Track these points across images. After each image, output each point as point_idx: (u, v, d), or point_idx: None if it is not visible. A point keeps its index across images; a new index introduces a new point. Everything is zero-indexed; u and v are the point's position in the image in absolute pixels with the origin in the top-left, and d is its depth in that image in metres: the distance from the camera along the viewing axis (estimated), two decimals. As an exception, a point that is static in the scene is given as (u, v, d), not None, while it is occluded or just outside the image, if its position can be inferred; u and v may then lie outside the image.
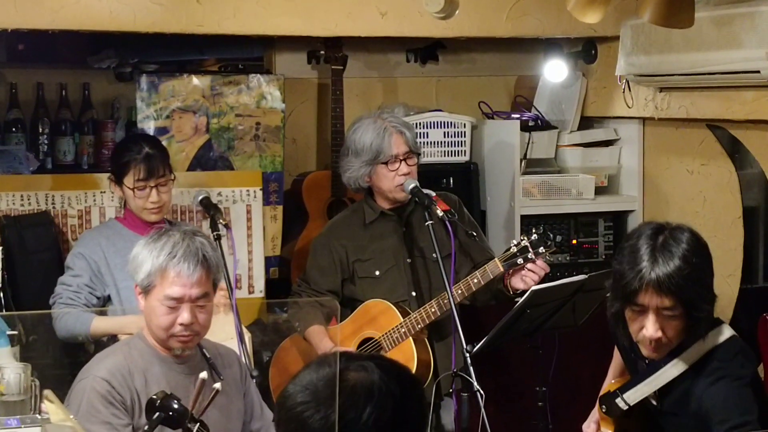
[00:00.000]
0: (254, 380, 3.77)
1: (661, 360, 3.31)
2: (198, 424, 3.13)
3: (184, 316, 3.39)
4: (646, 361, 3.40)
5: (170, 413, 3.09)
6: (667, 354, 3.29)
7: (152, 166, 4.30)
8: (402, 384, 2.23)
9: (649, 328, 3.18)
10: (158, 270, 3.40)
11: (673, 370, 3.30)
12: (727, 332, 3.31)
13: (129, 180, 4.31)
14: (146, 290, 3.44)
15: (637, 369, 3.50)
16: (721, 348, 3.27)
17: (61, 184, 4.89)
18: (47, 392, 2.39)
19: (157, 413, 3.08)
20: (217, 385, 3.16)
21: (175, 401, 3.09)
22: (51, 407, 2.36)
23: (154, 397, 3.10)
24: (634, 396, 3.43)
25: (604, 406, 3.53)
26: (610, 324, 3.34)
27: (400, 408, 2.19)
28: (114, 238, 4.31)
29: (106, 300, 4.31)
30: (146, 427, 3.11)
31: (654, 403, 3.42)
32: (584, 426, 3.65)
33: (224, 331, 3.95)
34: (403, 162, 4.34)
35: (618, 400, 3.46)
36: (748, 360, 3.31)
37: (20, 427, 2.92)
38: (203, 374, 3.14)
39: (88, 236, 4.48)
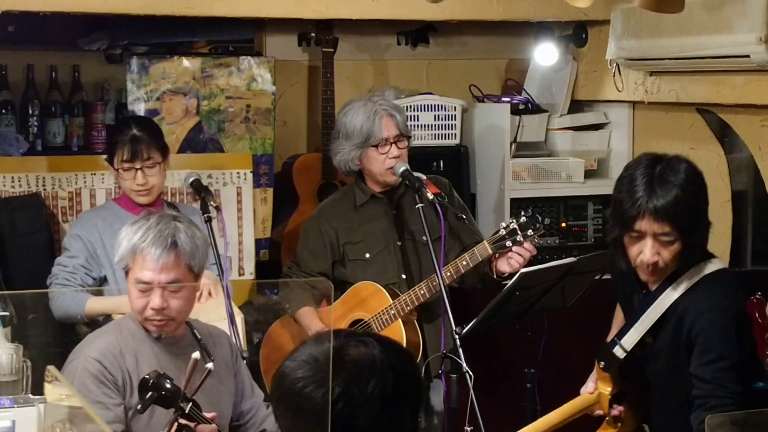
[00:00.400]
0: (245, 360, 3.79)
1: (656, 290, 3.44)
2: (190, 403, 3.15)
3: (155, 300, 3.41)
4: (643, 292, 3.52)
5: (163, 392, 3.11)
6: (662, 281, 3.44)
7: (137, 149, 4.29)
8: (400, 357, 2.26)
9: (646, 253, 3.35)
10: (130, 253, 3.43)
11: (666, 300, 3.43)
12: (718, 264, 3.47)
13: (116, 161, 4.33)
14: (125, 272, 3.49)
15: (633, 307, 3.58)
16: (711, 277, 3.42)
17: (52, 166, 4.89)
18: (50, 368, 2.39)
19: (150, 392, 3.10)
20: (209, 365, 3.19)
21: (168, 381, 3.11)
22: (48, 387, 2.37)
23: (147, 376, 3.12)
24: (630, 339, 3.50)
25: (602, 362, 3.58)
26: (609, 252, 3.53)
27: (401, 380, 2.22)
28: (110, 219, 4.32)
29: (103, 280, 4.32)
30: (139, 406, 3.14)
31: (649, 341, 3.50)
32: (583, 388, 3.69)
33: (216, 312, 3.96)
34: (393, 145, 4.34)
35: (615, 349, 3.54)
36: (736, 292, 3.47)
37: (13, 407, 2.92)
38: (195, 354, 3.16)
39: (85, 217, 4.50)
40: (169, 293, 3.41)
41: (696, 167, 3.42)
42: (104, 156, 4.52)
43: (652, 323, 3.47)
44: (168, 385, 3.12)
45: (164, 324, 3.45)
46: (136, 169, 4.30)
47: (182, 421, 3.16)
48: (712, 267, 3.45)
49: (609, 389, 3.62)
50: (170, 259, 3.40)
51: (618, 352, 3.54)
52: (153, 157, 4.32)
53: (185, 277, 3.45)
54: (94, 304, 4.23)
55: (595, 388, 3.66)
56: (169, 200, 4.75)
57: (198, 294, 4.10)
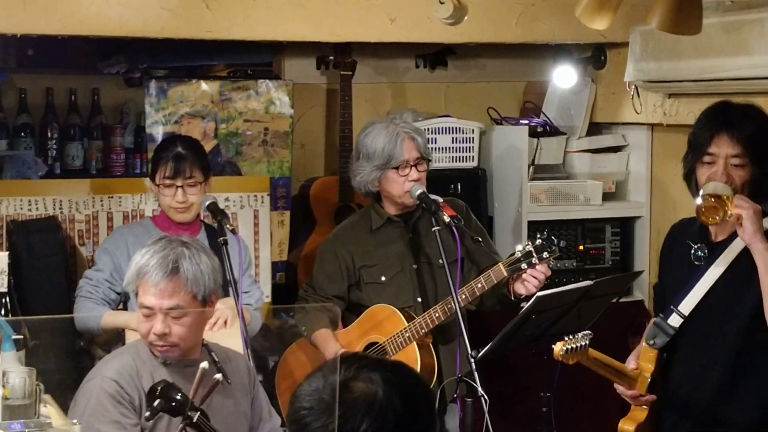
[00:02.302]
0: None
1: (723, 240, 3.51)
2: (198, 412, 3.15)
3: (157, 326, 3.39)
4: (705, 254, 3.56)
5: (171, 401, 3.11)
6: (728, 235, 3.50)
7: (180, 167, 4.33)
8: (408, 401, 2.21)
9: (718, 172, 3.44)
10: (135, 276, 3.44)
11: (736, 247, 3.48)
12: None
13: (158, 177, 4.37)
14: (135, 294, 3.49)
15: (690, 271, 3.58)
16: None
17: (69, 189, 4.90)
18: (46, 397, 2.41)
19: (158, 400, 3.10)
20: (218, 376, 3.19)
21: (176, 390, 3.12)
22: (52, 411, 2.38)
23: (155, 385, 3.13)
24: (691, 300, 3.54)
25: (653, 339, 3.60)
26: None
27: (402, 426, 2.18)
28: (142, 237, 4.27)
29: (127, 296, 4.32)
30: (147, 414, 3.14)
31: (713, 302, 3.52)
32: (626, 363, 3.69)
33: (230, 342, 3.96)
34: (413, 168, 4.34)
35: (671, 318, 3.56)
36: None
37: (24, 431, 2.92)
38: (204, 364, 3.18)
39: (117, 233, 4.54)
40: (171, 319, 3.40)
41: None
42: (147, 175, 4.60)
43: (720, 274, 3.50)
44: (177, 396, 3.13)
45: (167, 349, 3.43)
46: (177, 187, 4.33)
47: (190, 430, 3.15)
48: None
49: (651, 370, 3.62)
50: (170, 285, 3.39)
51: (674, 320, 3.56)
52: (195, 176, 4.35)
53: (188, 304, 3.42)
54: (109, 319, 4.27)
55: (637, 366, 3.66)
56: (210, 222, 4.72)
57: (214, 321, 4.11)
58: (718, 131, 3.47)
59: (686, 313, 3.55)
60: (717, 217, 3.37)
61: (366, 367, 2.23)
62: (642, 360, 3.66)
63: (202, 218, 4.55)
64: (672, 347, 3.63)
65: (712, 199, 3.37)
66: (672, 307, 3.58)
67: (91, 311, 4.26)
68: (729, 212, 3.35)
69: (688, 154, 3.60)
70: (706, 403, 3.56)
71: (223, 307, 4.15)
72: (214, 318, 4.11)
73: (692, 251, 3.61)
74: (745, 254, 3.44)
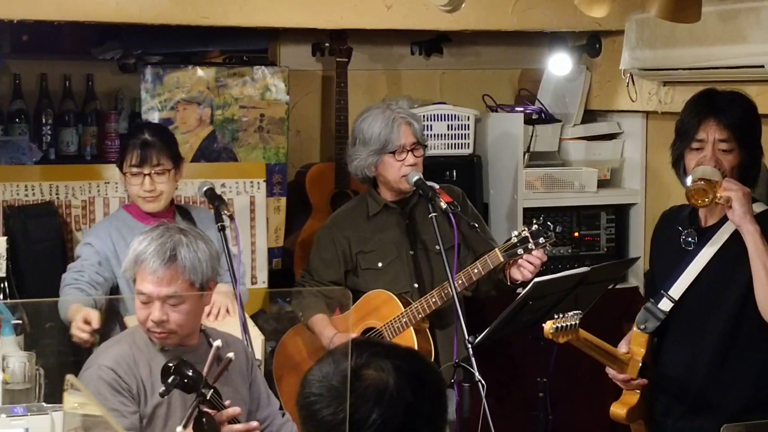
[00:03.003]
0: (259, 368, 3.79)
1: (713, 225, 3.55)
2: (212, 390, 3.16)
3: (155, 313, 3.39)
4: (694, 239, 3.59)
5: (185, 379, 3.12)
6: (718, 220, 3.54)
7: (146, 154, 4.22)
8: (419, 390, 2.20)
9: (706, 157, 3.47)
10: (133, 263, 3.42)
11: (725, 233, 3.52)
12: (762, 207, 3.55)
13: (125, 165, 4.26)
14: (132, 281, 3.48)
15: (680, 256, 3.61)
16: (759, 216, 3.45)
17: (65, 174, 4.90)
18: (69, 376, 2.39)
19: (172, 377, 3.11)
20: (231, 355, 3.21)
21: (190, 367, 3.12)
22: (66, 395, 2.37)
23: (169, 363, 3.14)
24: (682, 283, 3.57)
25: (644, 324, 3.64)
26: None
27: (413, 415, 2.17)
28: (123, 230, 4.27)
29: (115, 289, 4.29)
30: (162, 389, 3.14)
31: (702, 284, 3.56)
32: (617, 347, 3.72)
33: (232, 329, 3.96)
34: (410, 153, 4.35)
35: (662, 302, 3.59)
36: None
37: (26, 415, 2.93)
38: (218, 342, 3.19)
39: (99, 228, 4.42)
40: (169, 306, 3.39)
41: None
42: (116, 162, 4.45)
43: (710, 258, 3.53)
44: (190, 371, 3.14)
45: (165, 336, 3.43)
46: (144, 175, 4.23)
47: (203, 408, 3.16)
48: (760, 207, 3.54)
49: (642, 354, 3.65)
50: (168, 272, 3.38)
51: (664, 305, 3.59)
52: (162, 164, 4.25)
53: (186, 291, 3.41)
54: (71, 310, 4.04)
55: (629, 350, 3.68)
56: (182, 203, 4.71)
57: (216, 312, 4.11)
58: (706, 117, 3.50)
59: (676, 298, 3.59)
60: (706, 200, 3.39)
61: (377, 355, 2.22)
62: (633, 344, 3.69)
63: (178, 203, 4.53)
64: (663, 331, 3.66)
65: (702, 182, 3.39)
66: (662, 291, 3.61)
67: (64, 302, 4.10)
68: (718, 195, 3.37)
69: (675, 142, 3.63)
70: (697, 386, 3.59)
71: (218, 294, 4.15)
72: (215, 309, 4.11)
73: (682, 237, 3.64)
74: (735, 239, 3.48)
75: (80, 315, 3.89)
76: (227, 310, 4.13)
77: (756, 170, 3.58)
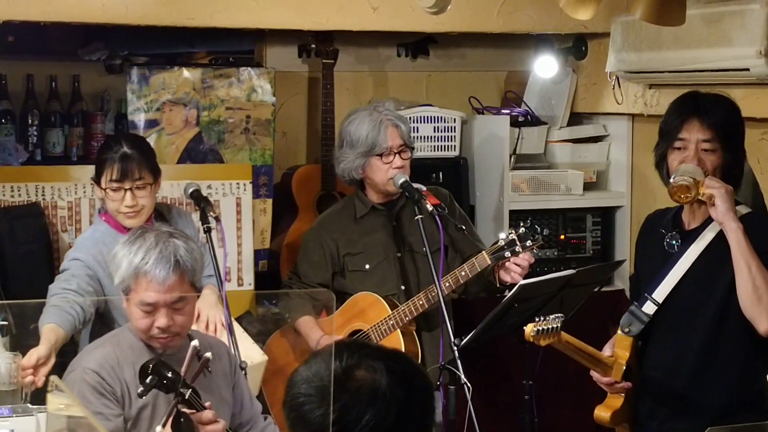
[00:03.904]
0: (244, 371, 3.79)
1: (696, 228, 3.56)
2: (190, 390, 3.16)
3: (161, 320, 3.40)
4: (677, 242, 3.59)
5: (164, 379, 3.12)
6: (701, 223, 3.55)
7: (127, 168, 4.03)
8: (410, 391, 2.19)
9: (689, 156, 3.48)
10: (132, 275, 3.41)
11: (707, 236, 3.53)
12: (746, 210, 3.56)
13: (104, 181, 4.08)
14: (125, 292, 3.47)
15: (663, 258, 3.63)
16: (746, 217, 3.49)
17: (51, 175, 4.87)
18: (53, 378, 2.39)
19: (150, 377, 3.11)
20: (208, 354, 3.21)
21: (168, 368, 3.13)
22: (50, 396, 2.37)
23: (147, 363, 3.14)
24: (665, 287, 3.58)
25: (628, 327, 3.64)
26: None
27: (404, 416, 2.16)
28: (107, 241, 4.05)
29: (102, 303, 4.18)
30: (140, 390, 3.14)
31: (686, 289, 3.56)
32: (602, 351, 3.72)
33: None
34: (397, 155, 4.35)
35: (646, 305, 3.60)
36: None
37: (12, 416, 2.93)
38: (195, 342, 3.20)
39: (86, 242, 4.20)
40: (174, 311, 3.41)
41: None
42: (91, 175, 4.23)
43: (693, 261, 3.54)
44: (168, 372, 3.14)
45: (170, 340, 3.45)
46: (125, 190, 4.05)
47: (182, 407, 3.16)
48: (744, 210, 3.55)
49: (626, 357, 3.65)
50: (175, 278, 3.40)
51: (648, 308, 3.60)
52: (144, 177, 4.07)
53: (187, 293, 3.44)
54: (44, 328, 3.81)
55: (612, 353, 3.69)
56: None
57: (213, 328, 4.10)
58: (689, 116, 3.52)
59: (660, 301, 3.60)
60: (689, 195, 3.40)
61: (368, 356, 2.21)
62: (617, 347, 3.69)
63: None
64: (647, 334, 3.67)
65: (684, 178, 3.40)
66: (646, 294, 3.62)
67: (56, 311, 3.89)
68: (701, 192, 3.38)
69: (659, 143, 3.64)
70: (680, 389, 3.61)
71: (210, 307, 4.14)
72: (211, 325, 4.09)
73: (665, 240, 3.65)
74: (717, 241, 3.49)
75: (28, 355, 3.57)
76: (223, 325, 4.09)
77: (738, 172, 3.60)
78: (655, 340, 3.67)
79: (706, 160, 3.50)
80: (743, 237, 3.37)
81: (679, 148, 3.53)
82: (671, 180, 3.44)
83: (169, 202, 4.76)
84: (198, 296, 3.52)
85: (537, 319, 3.41)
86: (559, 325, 3.42)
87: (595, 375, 3.71)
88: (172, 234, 3.49)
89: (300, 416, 2.17)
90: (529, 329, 3.40)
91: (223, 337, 3.98)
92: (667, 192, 3.46)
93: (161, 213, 4.33)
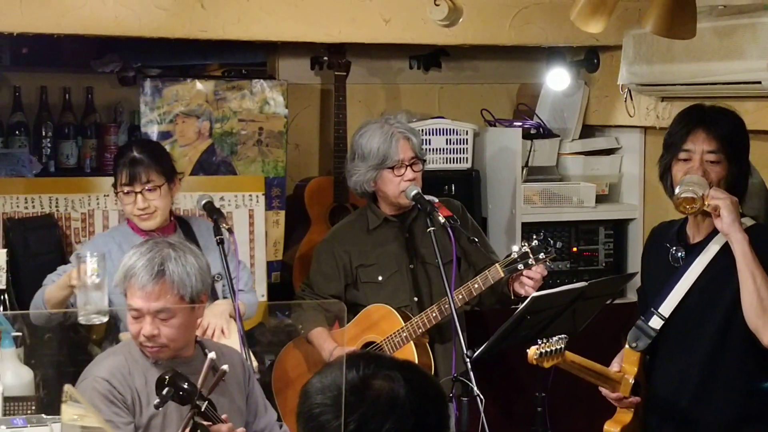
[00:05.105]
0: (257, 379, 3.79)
1: (700, 242, 3.55)
2: (206, 402, 3.16)
3: (146, 328, 3.40)
4: (683, 254, 3.59)
5: (180, 391, 3.12)
6: (706, 236, 3.54)
7: (135, 172, 4.17)
8: (426, 400, 2.19)
9: (694, 167, 3.48)
10: (123, 278, 3.43)
11: (711, 250, 3.52)
12: (751, 222, 3.54)
13: (117, 185, 4.23)
14: (124, 295, 3.49)
15: (668, 273, 3.61)
16: (751, 229, 3.46)
17: (65, 187, 4.90)
18: (67, 387, 2.39)
19: (167, 389, 3.11)
20: (225, 367, 3.20)
21: (184, 379, 3.13)
22: (64, 406, 2.38)
23: (163, 375, 3.14)
24: (671, 301, 3.57)
25: (635, 342, 3.63)
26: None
27: (421, 424, 2.16)
28: (124, 245, 4.15)
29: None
30: (156, 402, 3.15)
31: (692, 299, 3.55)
32: (610, 366, 3.71)
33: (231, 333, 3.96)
34: (408, 168, 4.36)
35: (652, 320, 3.59)
36: None
37: (26, 427, 2.94)
38: (212, 354, 3.19)
39: (97, 240, 4.41)
40: (159, 321, 3.40)
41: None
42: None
43: (698, 275, 3.53)
44: (185, 383, 3.14)
45: (157, 350, 3.44)
46: (136, 193, 4.18)
47: (198, 420, 3.16)
48: (749, 222, 3.53)
49: (635, 372, 3.64)
50: (157, 287, 3.38)
51: (655, 323, 3.59)
52: (153, 180, 4.19)
53: (176, 305, 3.41)
54: (50, 290, 4.06)
55: (620, 369, 3.68)
56: (182, 215, 4.68)
57: (211, 333, 4.10)
58: (695, 128, 3.51)
59: (666, 315, 3.58)
60: (695, 206, 3.39)
61: (384, 366, 2.20)
62: (625, 362, 3.68)
63: (180, 214, 4.50)
64: (654, 349, 3.66)
65: (689, 189, 3.40)
66: (652, 309, 3.61)
67: (37, 294, 4.08)
68: (706, 203, 3.38)
69: (663, 155, 3.64)
70: (686, 404, 3.59)
71: (214, 316, 4.14)
72: (210, 331, 4.10)
73: (670, 253, 3.64)
74: (722, 254, 3.48)
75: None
76: (222, 331, 4.12)
77: (743, 185, 3.58)
78: (662, 355, 3.66)
79: (711, 171, 3.49)
80: (749, 248, 3.37)
81: (684, 159, 3.53)
82: (676, 191, 3.43)
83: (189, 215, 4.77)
84: (193, 308, 3.47)
85: (540, 342, 3.40)
86: (562, 346, 3.40)
87: (604, 390, 3.71)
88: (171, 244, 3.48)
89: (318, 426, 2.16)
90: (532, 352, 3.38)
91: (225, 342, 4.00)
92: (673, 203, 3.46)
93: (190, 226, 4.37)
